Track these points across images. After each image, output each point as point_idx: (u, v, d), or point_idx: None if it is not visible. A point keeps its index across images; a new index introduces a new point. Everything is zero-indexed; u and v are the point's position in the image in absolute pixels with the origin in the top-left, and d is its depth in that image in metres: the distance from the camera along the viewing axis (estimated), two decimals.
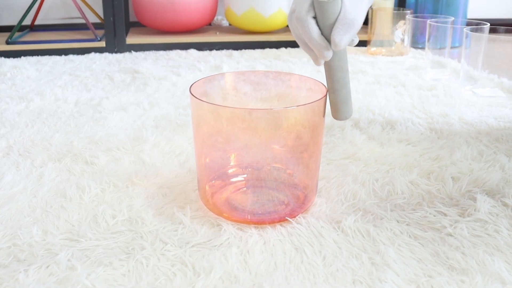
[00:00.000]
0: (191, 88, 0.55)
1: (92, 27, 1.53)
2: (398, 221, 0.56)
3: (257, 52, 1.57)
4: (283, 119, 0.52)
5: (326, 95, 0.55)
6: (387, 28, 1.53)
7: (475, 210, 0.58)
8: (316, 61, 0.56)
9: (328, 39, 0.53)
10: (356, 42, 0.56)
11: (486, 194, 0.62)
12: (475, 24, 1.13)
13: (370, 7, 1.60)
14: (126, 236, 0.53)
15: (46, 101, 1.02)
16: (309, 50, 0.56)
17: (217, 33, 1.69)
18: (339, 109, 0.60)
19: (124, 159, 0.72)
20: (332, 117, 0.61)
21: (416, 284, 0.45)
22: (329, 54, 0.54)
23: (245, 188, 0.60)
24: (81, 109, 0.97)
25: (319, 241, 0.52)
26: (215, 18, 1.90)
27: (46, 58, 1.44)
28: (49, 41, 1.51)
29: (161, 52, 1.55)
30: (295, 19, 0.54)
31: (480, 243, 0.52)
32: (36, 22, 1.71)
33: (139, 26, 1.81)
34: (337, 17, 0.52)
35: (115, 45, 1.53)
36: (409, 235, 0.53)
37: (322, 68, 1.33)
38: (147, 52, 1.55)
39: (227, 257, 0.49)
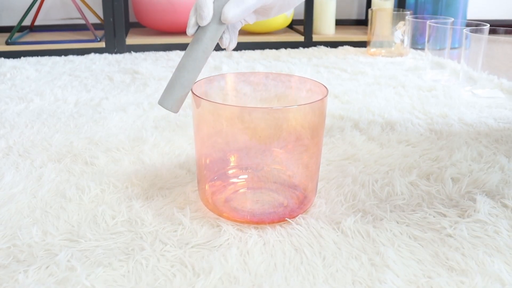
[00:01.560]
0: (192, 88, 0.55)
1: (91, 27, 1.53)
2: (397, 222, 0.56)
3: (257, 53, 1.57)
4: (283, 119, 0.52)
5: (326, 95, 0.55)
6: (386, 29, 1.53)
7: (474, 211, 0.58)
8: (190, 26, 0.54)
9: (218, 15, 0.53)
10: (231, 44, 0.57)
11: (486, 195, 0.62)
12: (474, 25, 1.13)
13: (370, 8, 1.60)
14: (126, 237, 0.53)
15: (45, 101, 1.02)
16: (193, 14, 0.54)
17: None
18: (170, 91, 0.54)
19: (124, 160, 0.72)
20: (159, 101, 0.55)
21: (416, 285, 0.45)
22: (207, 17, 0.53)
23: (245, 189, 0.60)
24: (81, 110, 0.97)
25: (319, 242, 0.52)
26: None
27: (45, 59, 1.44)
28: (49, 41, 1.51)
29: (161, 53, 1.55)
30: None
31: (480, 244, 0.52)
32: (36, 23, 1.71)
33: (138, 26, 1.81)
34: None
35: (115, 45, 1.54)
36: (409, 236, 0.53)
37: (322, 69, 1.33)
38: (146, 53, 1.55)
39: (227, 257, 0.49)
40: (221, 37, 0.57)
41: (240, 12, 0.53)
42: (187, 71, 0.54)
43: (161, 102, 0.54)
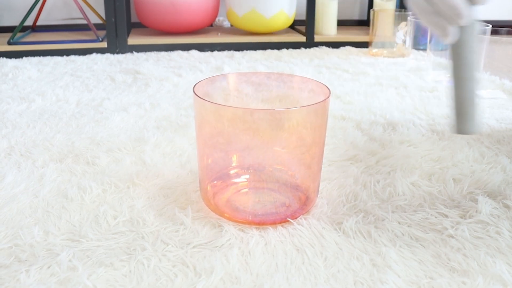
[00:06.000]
0: (195, 88, 0.55)
1: (93, 27, 1.54)
2: (399, 223, 0.56)
3: (259, 53, 1.57)
4: (285, 120, 0.52)
5: (329, 96, 0.54)
6: (388, 30, 1.53)
7: (476, 211, 0.58)
8: (444, 33, 0.49)
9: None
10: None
11: (488, 195, 0.62)
12: None
13: (372, 8, 1.60)
14: (127, 237, 0.53)
15: (47, 101, 1.02)
16: (437, 18, 0.49)
17: (219, 34, 1.69)
18: (464, 116, 0.46)
19: (125, 160, 0.72)
20: (453, 130, 0.48)
21: (417, 285, 0.45)
22: (464, 14, 0.47)
23: (246, 189, 0.60)
24: (83, 110, 0.97)
25: (320, 242, 0.52)
26: (217, 19, 1.90)
27: (47, 59, 1.44)
28: (50, 41, 1.51)
29: (163, 53, 1.55)
30: None
31: (482, 245, 0.52)
32: (38, 23, 1.72)
33: (140, 27, 1.82)
34: None
35: (117, 45, 1.54)
36: (410, 237, 0.53)
37: (323, 69, 1.33)
38: (148, 53, 1.55)
39: (228, 258, 0.49)
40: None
41: None
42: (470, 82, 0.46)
43: (464, 131, 0.46)
